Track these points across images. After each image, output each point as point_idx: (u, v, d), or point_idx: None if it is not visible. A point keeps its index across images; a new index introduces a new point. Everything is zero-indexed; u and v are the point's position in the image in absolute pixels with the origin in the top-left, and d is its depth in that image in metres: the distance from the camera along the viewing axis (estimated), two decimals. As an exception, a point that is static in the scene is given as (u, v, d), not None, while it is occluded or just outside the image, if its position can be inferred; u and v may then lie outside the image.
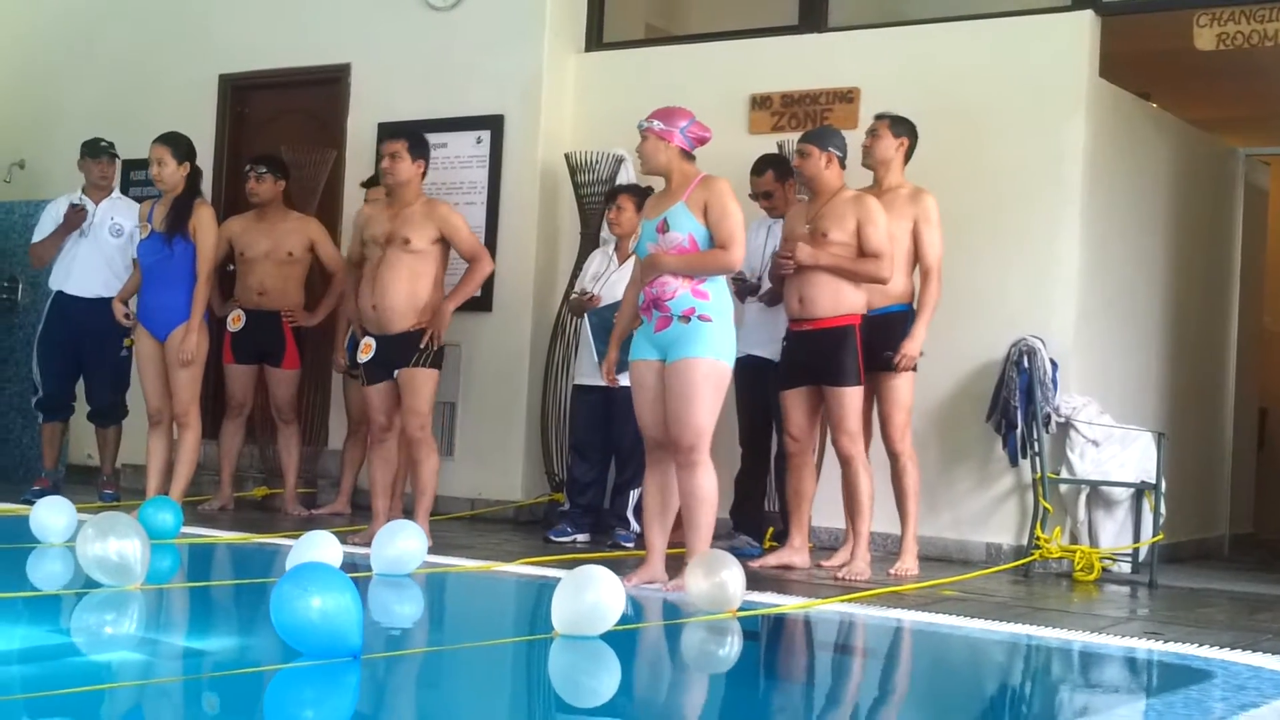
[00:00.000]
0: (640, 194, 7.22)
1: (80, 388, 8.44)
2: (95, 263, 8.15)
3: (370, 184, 8.08)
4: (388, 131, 8.63)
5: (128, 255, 8.01)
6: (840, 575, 6.25)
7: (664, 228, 5.68)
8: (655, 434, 5.76)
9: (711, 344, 5.62)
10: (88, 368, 8.24)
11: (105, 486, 8.32)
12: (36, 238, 8.47)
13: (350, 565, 5.18)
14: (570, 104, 8.56)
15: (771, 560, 6.48)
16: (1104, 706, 4.15)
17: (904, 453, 6.55)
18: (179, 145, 7.39)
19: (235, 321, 8.04)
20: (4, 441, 9.99)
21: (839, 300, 6.28)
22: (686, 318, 5.61)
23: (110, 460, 8.39)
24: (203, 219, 7.32)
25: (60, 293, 8.29)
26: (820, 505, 6.98)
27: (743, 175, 7.04)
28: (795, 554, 6.52)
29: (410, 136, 6.89)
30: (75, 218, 8.22)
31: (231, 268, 8.24)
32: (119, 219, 8.19)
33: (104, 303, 7.77)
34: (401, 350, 6.73)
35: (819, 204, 6.36)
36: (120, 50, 9.93)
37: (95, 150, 8.32)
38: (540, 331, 8.27)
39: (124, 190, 8.92)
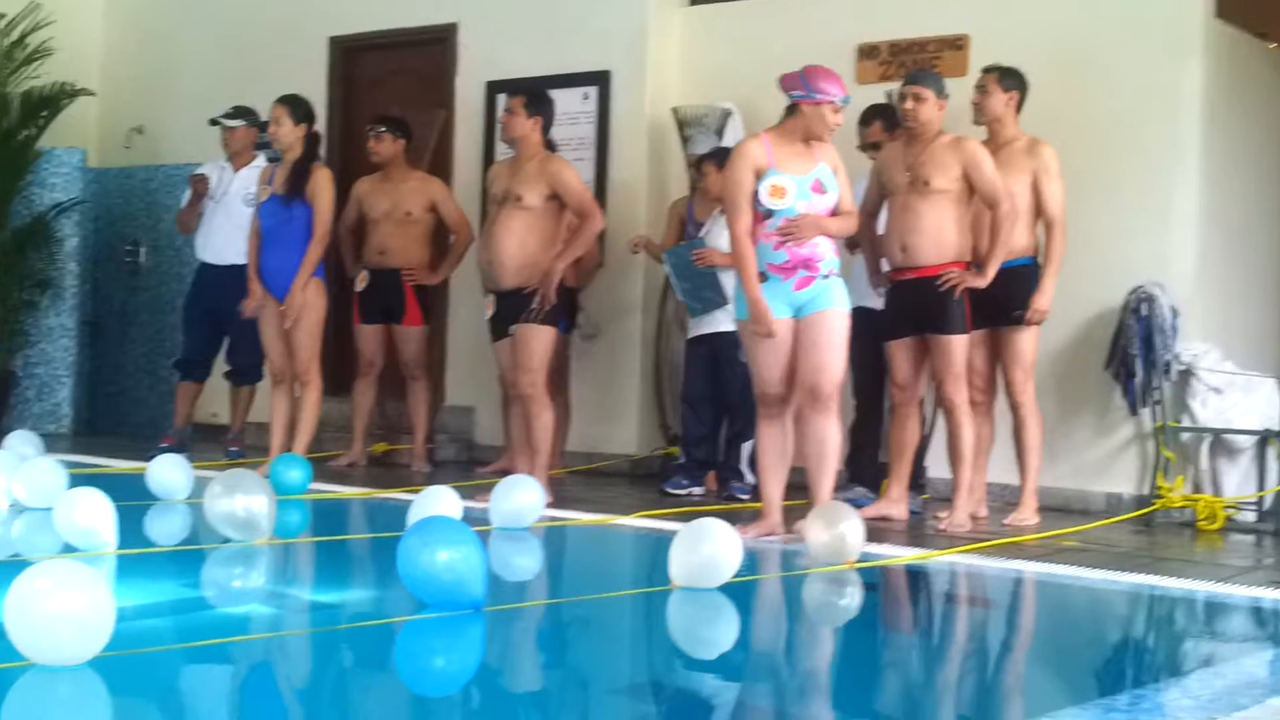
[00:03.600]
0: (724, 156, 7.21)
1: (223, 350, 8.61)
2: (230, 231, 8.26)
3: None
4: (497, 89, 8.75)
5: None
6: (942, 527, 6.20)
7: (820, 188, 5.76)
8: (779, 389, 5.80)
9: (844, 297, 5.82)
10: (231, 332, 8.36)
11: (231, 444, 8.49)
12: (184, 204, 8.68)
13: (470, 519, 5.25)
14: (676, 58, 8.53)
15: (870, 512, 6.30)
16: (1229, 656, 4.11)
17: (1025, 405, 6.47)
18: (297, 106, 7.49)
19: (360, 281, 8.15)
20: (133, 401, 10.25)
21: (942, 248, 6.21)
22: (829, 276, 5.77)
23: (240, 418, 8.55)
24: (319, 181, 7.41)
25: (202, 262, 8.50)
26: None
27: (850, 126, 6.97)
28: (893, 505, 6.46)
29: (527, 93, 6.92)
30: (197, 186, 8.38)
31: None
32: (254, 188, 8.24)
33: (240, 269, 7.82)
34: (514, 307, 6.78)
35: (918, 150, 6.26)
36: (233, 16, 10.06)
37: (214, 121, 8.46)
38: (652, 285, 8.28)
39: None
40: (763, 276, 5.75)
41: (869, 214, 6.43)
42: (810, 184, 5.74)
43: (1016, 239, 6.36)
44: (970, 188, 6.21)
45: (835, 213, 5.81)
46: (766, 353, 5.77)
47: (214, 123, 8.45)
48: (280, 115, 7.41)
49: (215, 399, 9.02)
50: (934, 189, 6.17)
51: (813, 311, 5.74)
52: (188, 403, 8.54)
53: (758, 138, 5.86)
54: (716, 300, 7.20)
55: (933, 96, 6.22)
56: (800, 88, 5.74)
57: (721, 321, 7.21)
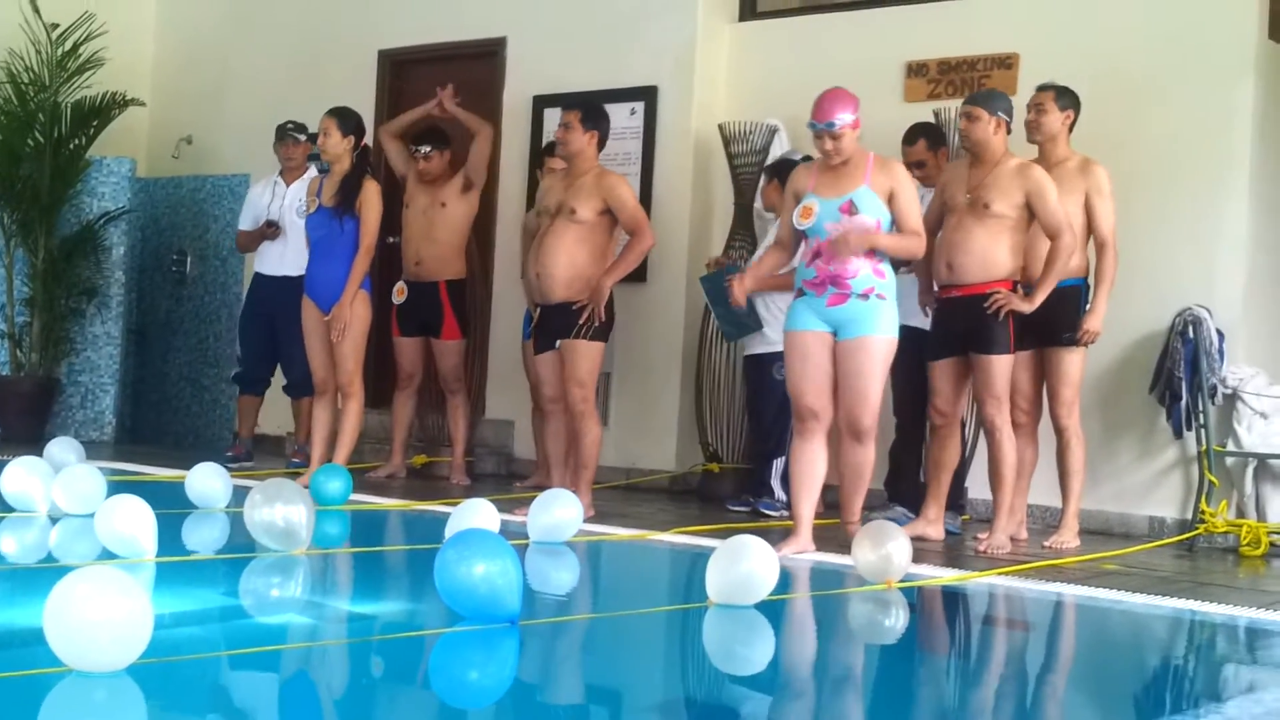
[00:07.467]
0: (770, 169, 7.29)
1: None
2: (284, 243, 8.41)
3: (548, 151, 8.14)
4: (544, 103, 8.77)
5: None
6: (981, 548, 6.15)
7: (850, 209, 5.80)
8: (815, 403, 5.84)
9: (888, 322, 5.85)
10: (282, 344, 8.42)
11: (295, 455, 8.57)
12: (241, 224, 8.82)
13: (508, 533, 5.25)
14: (724, 74, 8.53)
15: (905, 532, 6.29)
16: (1271, 683, 4.07)
17: (1070, 429, 6.42)
18: (346, 119, 7.53)
19: (399, 294, 8.18)
20: (176, 410, 10.33)
21: (990, 267, 6.15)
22: (866, 296, 5.78)
23: (305, 429, 8.58)
24: (368, 195, 7.44)
25: (257, 273, 8.63)
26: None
27: (895, 144, 6.97)
28: (930, 525, 6.41)
29: (584, 107, 6.96)
30: (268, 233, 8.52)
31: (391, 240, 8.37)
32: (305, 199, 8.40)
33: (294, 281, 7.91)
34: (562, 320, 6.81)
35: (982, 172, 6.19)
36: (283, 28, 10.14)
37: (281, 134, 8.56)
38: (695, 302, 8.27)
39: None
40: (800, 292, 5.91)
41: (929, 231, 6.34)
42: (840, 205, 5.81)
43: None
44: (1031, 214, 6.13)
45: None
46: (800, 365, 5.85)
47: (287, 133, 8.50)
48: (329, 127, 7.46)
49: (276, 412, 9.08)
50: (992, 213, 6.10)
51: (853, 336, 5.80)
52: (251, 415, 8.69)
53: (809, 164, 6.00)
54: (751, 325, 7.20)
55: (986, 116, 6.15)
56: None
57: (757, 344, 7.24)
